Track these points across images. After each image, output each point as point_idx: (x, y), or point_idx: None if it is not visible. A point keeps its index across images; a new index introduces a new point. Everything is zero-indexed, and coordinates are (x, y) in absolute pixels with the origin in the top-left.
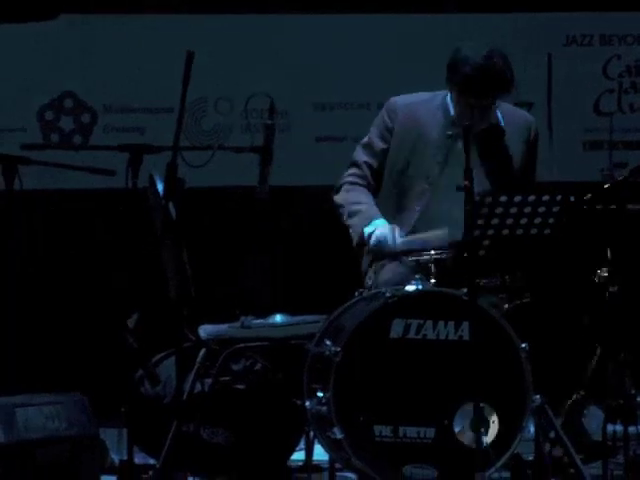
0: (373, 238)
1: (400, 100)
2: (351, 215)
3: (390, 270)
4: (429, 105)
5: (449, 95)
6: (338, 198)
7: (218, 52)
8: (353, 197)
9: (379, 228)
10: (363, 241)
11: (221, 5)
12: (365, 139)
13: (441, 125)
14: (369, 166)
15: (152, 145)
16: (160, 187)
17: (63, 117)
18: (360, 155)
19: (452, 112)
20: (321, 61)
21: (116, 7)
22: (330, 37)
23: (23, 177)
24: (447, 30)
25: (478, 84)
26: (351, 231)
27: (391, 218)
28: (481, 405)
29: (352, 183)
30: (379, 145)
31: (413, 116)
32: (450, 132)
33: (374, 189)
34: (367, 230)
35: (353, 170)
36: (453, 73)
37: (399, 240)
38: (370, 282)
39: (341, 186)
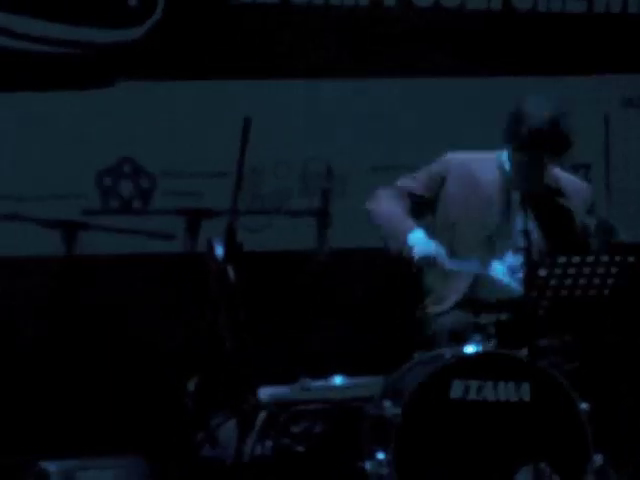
0: (419, 253)
1: (455, 157)
2: (387, 224)
3: (451, 319)
4: (485, 162)
5: (505, 153)
6: (372, 204)
7: (275, 117)
8: (387, 206)
9: (423, 244)
10: (401, 253)
11: (278, 71)
12: (410, 176)
13: (498, 180)
14: (409, 194)
15: (211, 209)
16: (219, 251)
17: (122, 182)
18: (402, 182)
19: (508, 169)
20: (378, 124)
21: (173, 73)
22: (386, 101)
23: (83, 242)
24: (503, 93)
25: (540, 140)
26: (388, 240)
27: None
28: (542, 466)
29: (387, 195)
30: (419, 190)
31: (468, 171)
32: (507, 187)
33: (408, 208)
34: (410, 242)
35: (389, 189)
36: (516, 125)
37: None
38: (430, 331)
39: (376, 195)
